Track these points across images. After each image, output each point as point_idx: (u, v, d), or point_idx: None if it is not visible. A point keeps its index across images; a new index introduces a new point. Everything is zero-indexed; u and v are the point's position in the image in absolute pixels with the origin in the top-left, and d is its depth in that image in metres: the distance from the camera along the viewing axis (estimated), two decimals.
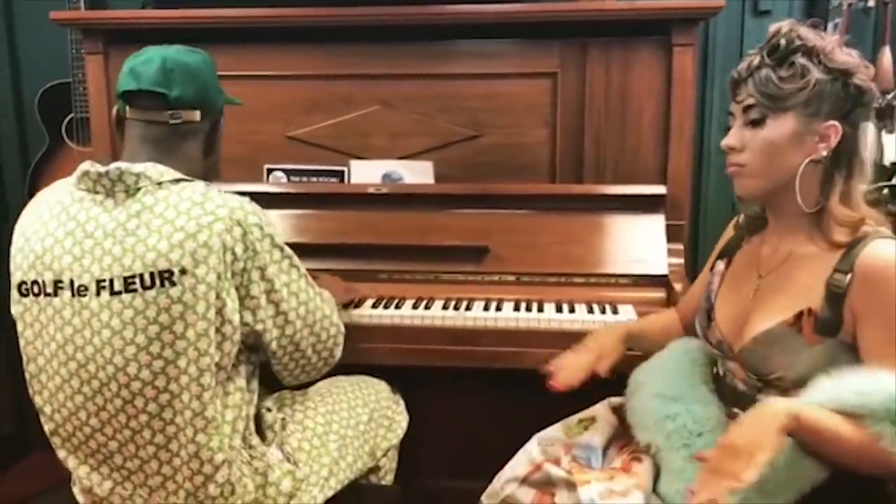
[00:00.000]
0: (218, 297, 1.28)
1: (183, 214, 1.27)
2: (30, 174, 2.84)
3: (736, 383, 1.36)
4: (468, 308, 1.90)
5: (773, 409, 1.14)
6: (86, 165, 1.34)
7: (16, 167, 2.91)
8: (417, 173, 2.14)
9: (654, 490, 1.35)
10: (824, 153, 1.26)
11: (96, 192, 1.31)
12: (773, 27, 1.29)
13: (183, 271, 1.25)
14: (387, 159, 2.16)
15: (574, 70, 2.06)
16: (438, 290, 2.00)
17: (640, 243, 2.02)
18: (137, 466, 1.34)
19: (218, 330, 1.29)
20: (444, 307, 1.91)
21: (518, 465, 1.46)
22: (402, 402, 1.84)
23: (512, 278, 2.02)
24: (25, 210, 1.41)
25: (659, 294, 1.95)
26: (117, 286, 1.26)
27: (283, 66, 2.18)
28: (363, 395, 1.71)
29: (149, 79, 1.35)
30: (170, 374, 1.28)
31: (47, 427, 1.39)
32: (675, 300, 1.87)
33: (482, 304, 1.92)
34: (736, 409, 1.35)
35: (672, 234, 2.01)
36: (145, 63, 1.36)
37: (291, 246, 2.03)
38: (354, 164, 2.17)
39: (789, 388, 1.26)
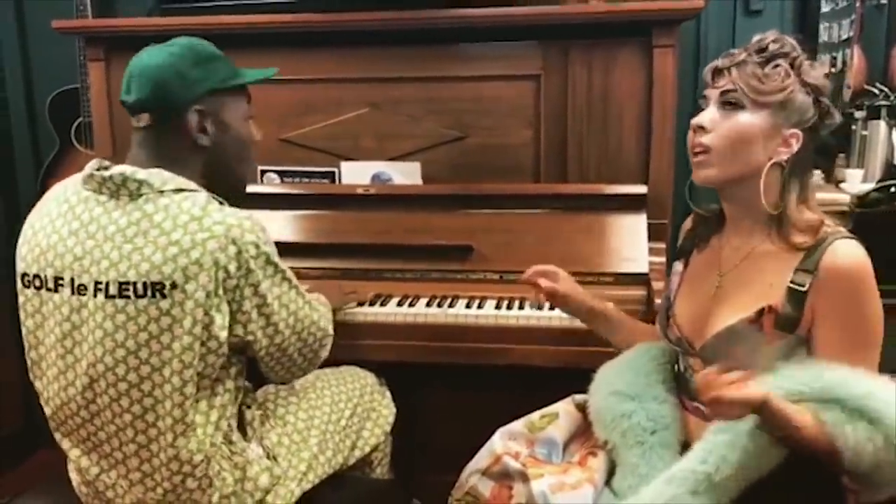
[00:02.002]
0: (206, 313, 1.30)
1: (180, 228, 1.29)
2: (41, 176, 2.94)
3: (695, 378, 1.39)
4: (451, 305, 1.95)
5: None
6: (93, 164, 1.38)
7: (28, 169, 3.01)
8: (406, 174, 2.19)
9: (609, 484, 1.39)
10: (784, 157, 1.30)
11: (101, 193, 1.35)
12: (754, 37, 1.34)
13: (174, 285, 1.29)
14: (376, 160, 2.21)
15: (557, 72, 2.10)
16: (425, 288, 2.05)
17: (621, 242, 2.05)
18: (121, 459, 1.40)
19: (203, 344, 1.32)
20: (429, 304, 1.96)
21: (481, 457, 1.51)
22: (388, 394, 1.89)
23: (496, 276, 2.06)
24: (38, 203, 1.46)
25: (640, 292, 1.98)
26: (112, 290, 1.30)
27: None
28: (348, 389, 1.75)
29: (123, 87, 1.40)
30: (154, 380, 1.33)
31: (46, 410, 1.45)
32: (655, 298, 1.90)
33: (465, 301, 1.97)
34: (695, 403, 1.39)
35: (654, 233, 2.04)
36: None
37: (284, 245, 2.11)
38: (345, 165, 2.23)
39: None
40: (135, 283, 1.29)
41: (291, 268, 2.07)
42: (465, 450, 2.14)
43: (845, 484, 1.27)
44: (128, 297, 1.30)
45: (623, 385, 1.45)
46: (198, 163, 1.43)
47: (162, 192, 1.33)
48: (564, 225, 2.08)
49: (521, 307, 1.94)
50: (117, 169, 1.35)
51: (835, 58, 2.57)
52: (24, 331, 1.44)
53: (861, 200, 2.56)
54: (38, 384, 1.44)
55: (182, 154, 1.41)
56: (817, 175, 2.94)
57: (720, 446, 1.19)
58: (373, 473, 1.83)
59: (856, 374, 1.20)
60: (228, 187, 1.48)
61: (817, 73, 1.31)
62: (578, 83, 2.09)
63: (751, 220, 1.36)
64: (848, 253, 1.25)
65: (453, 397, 2.19)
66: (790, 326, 1.28)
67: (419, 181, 2.19)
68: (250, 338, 1.38)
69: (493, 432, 1.98)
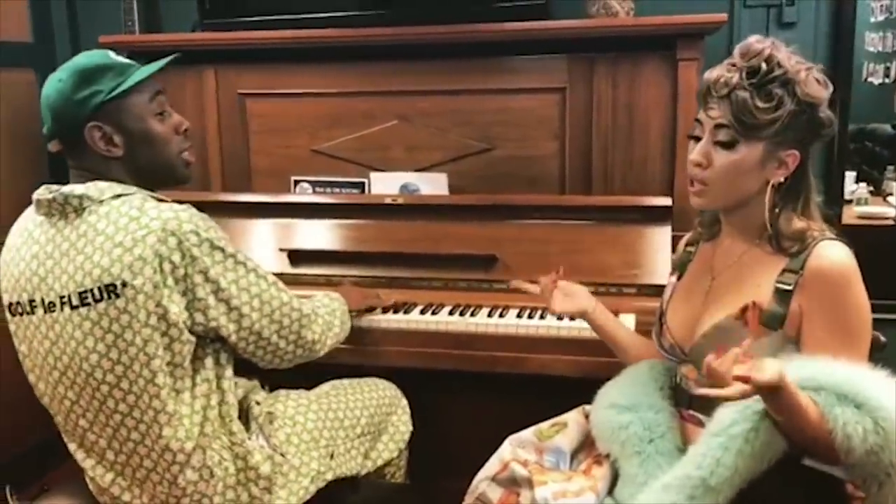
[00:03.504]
0: (158, 304, 1.36)
1: (121, 230, 1.36)
2: None
3: (690, 386, 1.42)
4: (474, 314, 1.98)
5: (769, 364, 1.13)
6: (40, 192, 1.45)
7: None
8: (433, 184, 2.23)
9: (612, 494, 1.40)
10: (782, 179, 1.31)
11: (52, 215, 1.43)
12: (752, 41, 1.31)
13: (124, 284, 1.35)
14: (404, 171, 2.26)
15: (582, 85, 2.12)
16: (449, 297, 2.08)
17: (646, 254, 2.06)
18: (125, 461, 1.47)
19: (164, 334, 1.38)
20: (451, 313, 1.99)
21: (491, 464, 1.53)
22: (407, 410, 1.90)
23: None
24: (7, 239, 1.53)
25: None
26: (75, 301, 1.38)
27: (309, 83, 2.32)
28: (364, 398, 1.78)
29: None
30: (129, 377, 1.40)
31: (58, 426, 1.54)
32: None
33: (488, 310, 2.00)
34: (691, 411, 1.41)
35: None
36: None
37: (314, 252, 2.16)
38: (374, 175, 2.29)
39: None
40: (91, 290, 1.36)
41: (320, 275, 2.19)
42: (483, 456, 2.16)
43: (850, 492, 1.27)
44: (88, 304, 1.37)
45: (620, 397, 1.46)
46: (120, 171, 1.46)
47: (102, 201, 1.40)
48: (589, 236, 2.09)
49: (542, 317, 1.95)
50: (58, 190, 1.42)
51: (888, 68, 2.53)
52: (20, 356, 1.52)
53: None
54: (44, 401, 1.53)
55: (101, 167, 1.45)
56: (863, 187, 2.90)
57: (714, 449, 1.19)
58: None
59: (837, 362, 1.20)
60: (164, 181, 1.53)
61: (813, 86, 1.29)
62: (604, 96, 2.11)
63: (744, 228, 1.39)
64: (832, 254, 1.27)
65: (474, 403, 2.22)
66: (776, 323, 1.30)
67: (446, 191, 2.23)
68: (214, 324, 1.43)
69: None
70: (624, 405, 1.44)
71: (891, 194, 2.93)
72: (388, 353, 1.96)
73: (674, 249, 2.04)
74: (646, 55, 2.07)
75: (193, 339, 1.42)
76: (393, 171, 2.27)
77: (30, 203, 1.48)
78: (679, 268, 1.55)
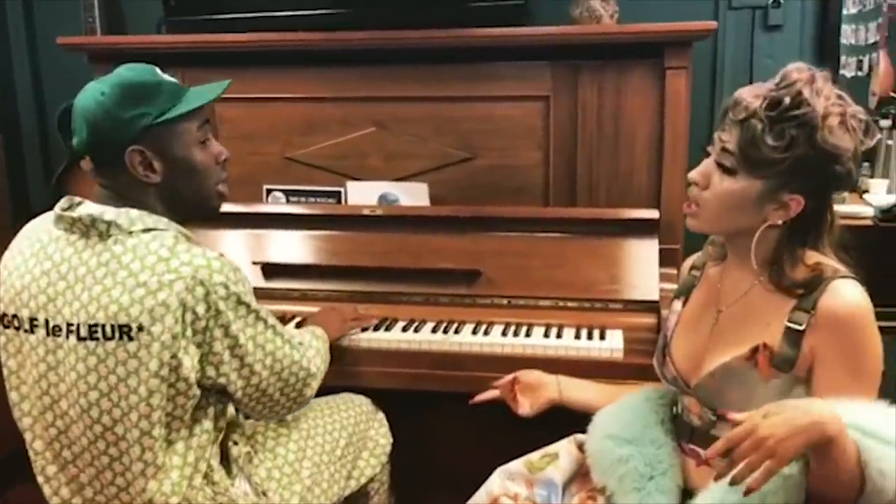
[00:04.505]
0: (173, 356, 1.28)
1: (147, 269, 1.28)
2: (52, 189, 2.93)
3: (692, 419, 1.37)
4: (457, 332, 1.92)
5: (815, 418, 1.06)
6: (63, 204, 1.36)
7: (39, 182, 3.01)
8: (413, 195, 2.16)
9: None
10: (780, 222, 1.24)
11: (72, 233, 1.34)
12: (790, 69, 1.23)
13: (140, 328, 1.27)
14: (383, 181, 2.18)
15: (567, 93, 2.05)
16: (431, 312, 2.02)
17: (632, 268, 2.01)
18: (105, 501, 1.38)
19: (172, 385, 1.31)
20: (434, 330, 1.93)
21: (479, 497, 1.48)
22: (385, 422, 1.86)
23: (504, 301, 2.03)
24: (13, 242, 1.45)
25: (649, 320, 1.94)
26: (83, 332, 1.29)
27: (282, 88, 2.22)
28: (342, 417, 1.73)
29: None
30: (125, 424, 1.31)
31: (31, 453, 1.44)
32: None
33: (472, 327, 1.94)
34: (692, 445, 1.36)
35: (665, 259, 2.00)
36: None
37: (288, 266, 2.08)
38: (351, 185, 2.20)
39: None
40: (103, 326, 1.28)
41: (295, 289, 2.11)
42: (468, 473, 2.11)
43: None
44: (97, 339, 1.28)
45: (619, 428, 1.41)
46: (153, 198, 1.38)
47: (131, 232, 1.31)
48: (574, 249, 2.04)
49: (528, 334, 1.90)
50: (85, 210, 1.33)
51: (861, 61, 2.48)
52: (5, 371, 1.42)
53: (885, 214, 2.49)
54: (20, 425, 1.43)
55: (133, 192, 1.36)
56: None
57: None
58: (370, 503, 1.80)
59: (864, 402, 1.16)
60: (195, 212, 1.46)
61: (841, 135, 1.19)
62: (589, 104, 2.05)
63: (749, 263, 1.30)
64: (846, 294, 1.20)
65: (457, 420, 2.15)
66: (787, 366, 1.24)
67: (426, 202, 2.15)
68: (223, 380, 1.36)
69: (495, 457, 1.97)
70: (624, 438, 1.39)
71: (867, 191, 2.91)
72: (370, 374, 1.89)
73: (662, 263, 2.01)
74: (632, 63, 2.00)
75: (199, 393, 1.34)
76: (370, 180, 2.19)
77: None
78: (684, 293, 1.48)
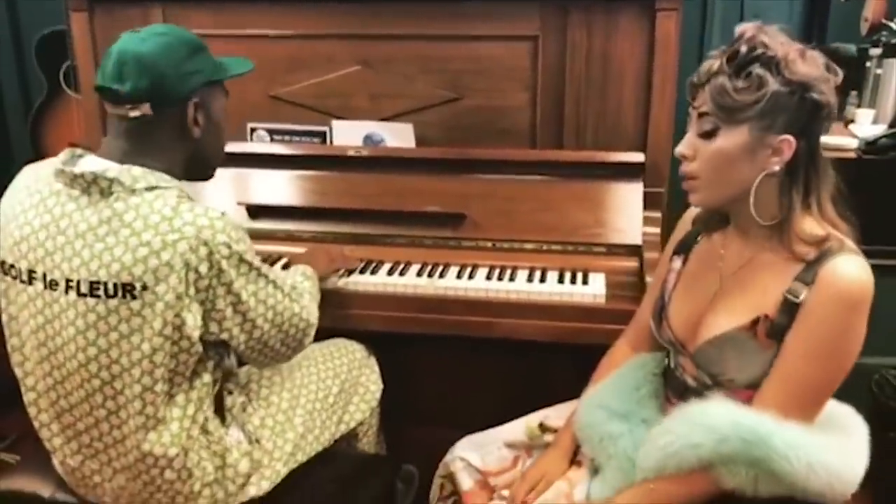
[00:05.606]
0: (176, 315, 1.30)
1: (150, 228, 1.28)
2: (31, 120, 2.89)
3: (685, 378, 1.37)
4: (442, 275, 1.94)
5: None
6: (64, 157, 1.35)
7: (18, 113, 2.96)
8: (398, 135, 2.14)
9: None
10: (777, 167, 1.22)
11: (73, 188, 1.32)
12: (739, 28, 1.23)
13: (144, 287, 1.28)
14: (368, 120, 2.16)
15: (555, 33, 2.02)
16: (416, 254, 2.03)
17: (616, 212, 2.02)
18: (102, 448, 1.41)
19: (175, 343, 1.32)
20: (419, 273, 1.94)
21: (477, 444, 1.56)
22: (376, 369, 1.90)
23: (488, 244, 2.04)
24: (10, 188, 1.43)
25: (632, 263, 1.96)
26: (83, 289, 1.29)
27: (266, 24, 2.17)
28: (335, 365, 1.76)
29: (107, 74, 1.33)
30: (125, 379, 1.33)
31: (27, 397, 1.46)
32: (646, 270, 1.87)
33: (457, 270, 1.95)
34: (680, 402, 1.36)
35: (650, 202, 2.01)
36: (107, 56, 1.35)
37: (273, 207, 2.07)
38: (336, 124, 2.18)
39: (740, 388, 1.28)
40: (105, 283, 1.28)
41: (280, 230, 2.11)
42: (454, 407, 2.17)
43: None
44: (98, 296, 1.29)
45: (612, 399, 1.43)
46: (184, 153, 1.42)
47: (134, 190, 1.30)
48: (559, 192, 2.04)
49: (512, 278, 1.92)
50: (87, 166, 1.32)
51: None
52: (5, 317, 1.43)
53: (870, 146, 2.47)
54: (18, 371, 1.44)
55: (171, 144, 1.40)
56: None
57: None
58: (358, 444, 1.85)
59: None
60: (203, 175, 1.52)
61: (807, 65, 1.19)
62: (578, 45, 2.01)
63: (754, 229, 1.30)
64: (850, 270, 1.19)
65: (443, 355, 2.21)
66: (782, 335, 1.24)
67: (412, 143, 2.14)
68: (225, 335, 1.38)
69: (480, 392, 2.03)
70: (616, 411, 1.40)
71: (852, 121, 2.88)
72: (357, 317, 1.91)
73: (646, 206, 2.01)
74: (622, 4, 1.96)
75: (201, 349, 1.36)
76: (356, 119, 2.17)
77: None
78: (684, 251, 1.46)
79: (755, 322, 1.26)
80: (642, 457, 1.30)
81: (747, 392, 1.27)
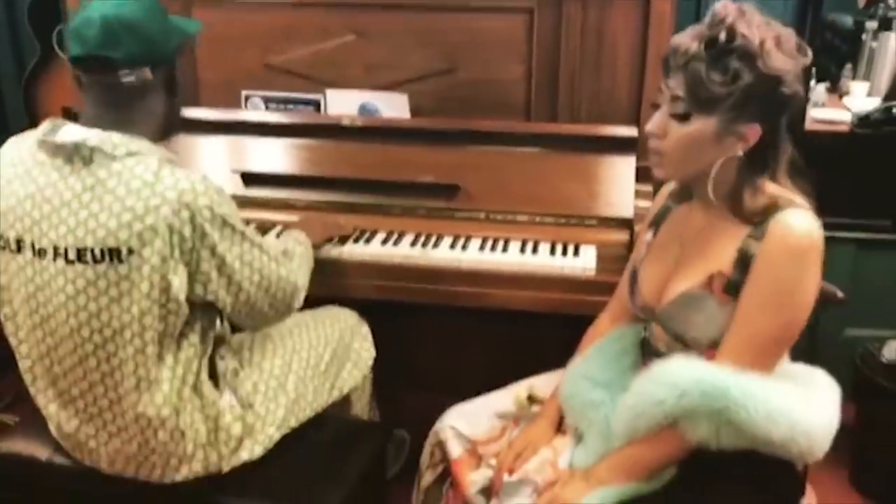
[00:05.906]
0: (163, 278, 1.32)
1: (133, 194, 1.30)
2: (24, 84, 2.87)
3: (658, 345, 1.44)
4: (435, 245, 1.96)
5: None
6: (45, 128, 1.36)
7: (11, 77, 2.94)
8: (393, 106, 2.15)
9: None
10: (741, 153, 1.27)
11: (56, 157, 1.34)
12: (718, 8, 1.25)
13: (130, 251, 1.30)
14: (363, 90, 2.16)
15: (550, 7, 2.02)
16: (410, 224, 2.05)
17: (609, 185, 2.03)
18: (96, 413, 1.44)
19: (163, 306, 1.35)
20: (413, 244, 1.96)
21: (468, 415, 1.59)
22: (369, 336, 1.92)
23: (481, 216, 2.06)
24: None
25: (622, 236, 1.98)
26: (71, 256, 1.32)
27: None
28: (327, 332, 1.78)
29: (93, 42, 1.33)
30: (117, 342, 1.36)
31: (22, 365, 1.49)
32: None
33: (450, 241, 1.97)
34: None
35: (642, 175, 2.02)
36: (86, 24, 1.33)
37: (267, 175, 2.07)
38: (331, 93, 2.18)
39: (705, 348, 1.34)
40: (92, 249, 1.30)
41: (275, 198, 2.12)
42: (446, 373, 2.20)
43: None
44: (86, 262, 1.31)
45: (595, 370, 1.48)
46: (162, 114, 1.45)
47: (115, 157, 1.32)
48: (552, 165, 2.06)
49: (504, 249, 1.94)
50: (68, 136, 1.33)
51: None
52: None
53: (863, 121, 2.49)
54: (13, 340, 1.47)
55: (159, 105, 1.43)
56: (821, 88, 2.83)
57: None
58: (352, 410, 1.88)
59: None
60: (175, 131, 1.57)
61: (781, 58, 1.22)
62: (573, 19, 2.01)
63: (711, 201, 1.34)
64: (796, 224, 1.25)
65: (436, 323, 2.23)
66: (736, 291, 1.30)
67: (407, 114, 2.14)
68: (211, 297, 1.41)
69: (470, 357, 2.05)
70: (598, 380, 1.45)
71: (847, 94, 2.89)
72: (351, 286, 1.94)
73: (639, 179, 2.03)
74: None
75: (188, 311, 1.39)
76: (350, 89, 2.17)
77: None
78: (654, 225, 1.52)
79: (711, 278, 1.31)
80: (615, 422, 1.36)
81: (711, 351, 1.33)
